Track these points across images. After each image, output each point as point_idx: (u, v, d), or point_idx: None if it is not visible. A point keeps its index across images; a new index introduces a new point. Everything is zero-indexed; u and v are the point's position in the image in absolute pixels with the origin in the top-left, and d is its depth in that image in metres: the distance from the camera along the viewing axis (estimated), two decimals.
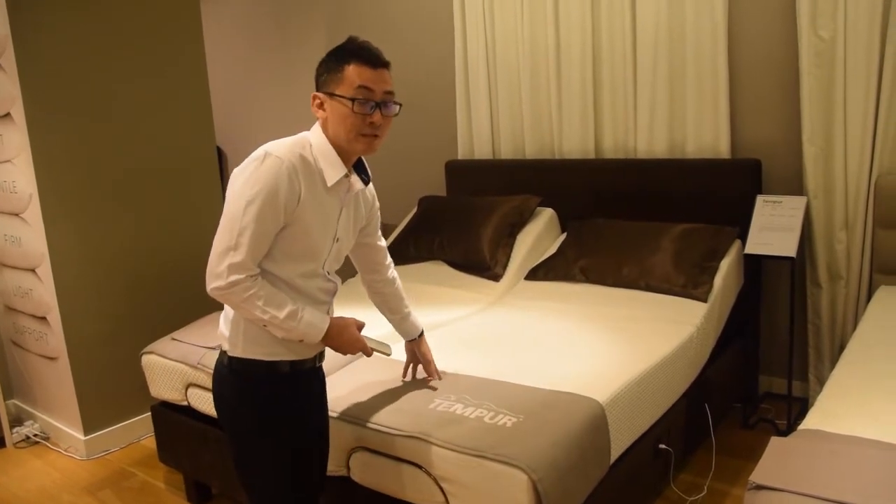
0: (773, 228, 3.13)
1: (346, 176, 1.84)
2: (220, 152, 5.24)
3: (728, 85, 3.37)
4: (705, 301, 2.99)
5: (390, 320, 2.30)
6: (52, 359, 3.49)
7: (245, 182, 1.70)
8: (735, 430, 3.26)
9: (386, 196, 4.88)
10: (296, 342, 1.83)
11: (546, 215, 3.83)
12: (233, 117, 5.53)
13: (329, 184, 1.79)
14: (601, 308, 3.07)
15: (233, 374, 1.85)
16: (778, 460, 1.67)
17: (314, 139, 1.81)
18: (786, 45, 3.25)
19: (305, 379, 1.92)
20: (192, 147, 3.79)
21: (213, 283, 1.72)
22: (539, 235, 3.74)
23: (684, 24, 3.42)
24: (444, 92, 4.42)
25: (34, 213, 3.28)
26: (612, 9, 3.63)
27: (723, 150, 3.43)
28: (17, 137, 3.25)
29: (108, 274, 3.47)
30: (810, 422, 1.89)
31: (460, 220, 3.81)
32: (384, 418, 2.16)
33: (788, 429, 3.12)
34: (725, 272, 3.13)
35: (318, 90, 1.81)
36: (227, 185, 1.80)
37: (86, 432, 3.47)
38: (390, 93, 1.81)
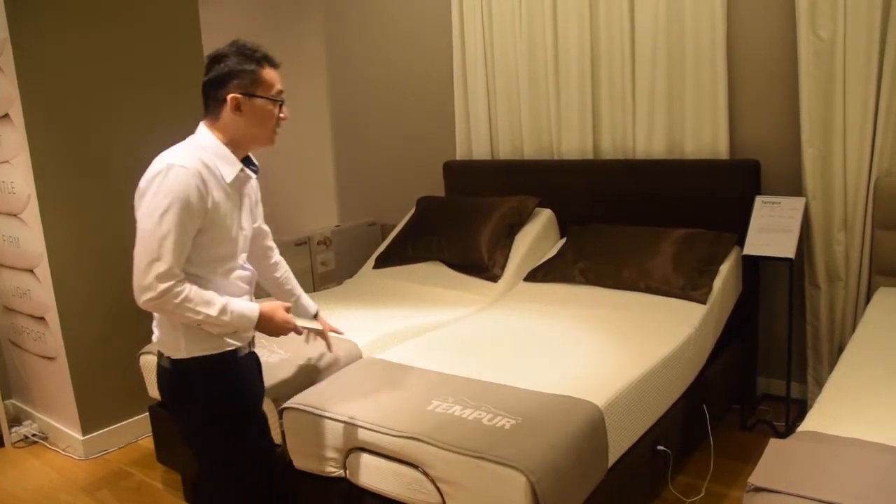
0: (771, 229, 3.13)
1: (242, 171, 1.94)
2: None
3: (727, 85, 3.36)
4: (704, 303, 2.99)
5: None
6: (50, 359, 3.49)
7: (154, 195, 1.77)
8: (733, 432, 3.26)
9: (384, 196, 4.91)
10: (231, 333, 1.93)
11: (544, 216, 3.82)
12: None
13: (228, 181, 1.88)
14: (600, 310, 3.07)
15: (179, 375, 1.94)
16: (776, 462, 1.67)
17: (206, 142, 1.89)
18: (785, 46, 3.25)
19: (245, 364, 2.02)
20: None
21: (145, 295, 1.77)
22: (537, 236, 3.74)
23: (683, 23, 3.42)
24: (442, 92, 4.42)
25: (32, 213, 3.28)
26: (611, 8, 3.62)
27: (721, 150, 3.42)
28: (15, 138, 3.25)
29: (106, 274, 3.47)
30: (809, 424, 1.89)
31: (458, 221, 3.80)
32: (382, 419, 2.16)
33: (787, 431, 3.12)
34: (725, 276, 3.13)
35: (228, 93, 1.88)
36: None
37: (84, 432, 3.46)
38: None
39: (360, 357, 2.76)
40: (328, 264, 4.65)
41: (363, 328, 2.99)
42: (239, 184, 1.95)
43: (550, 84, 3.87)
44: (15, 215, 3.41)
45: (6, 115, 3.27)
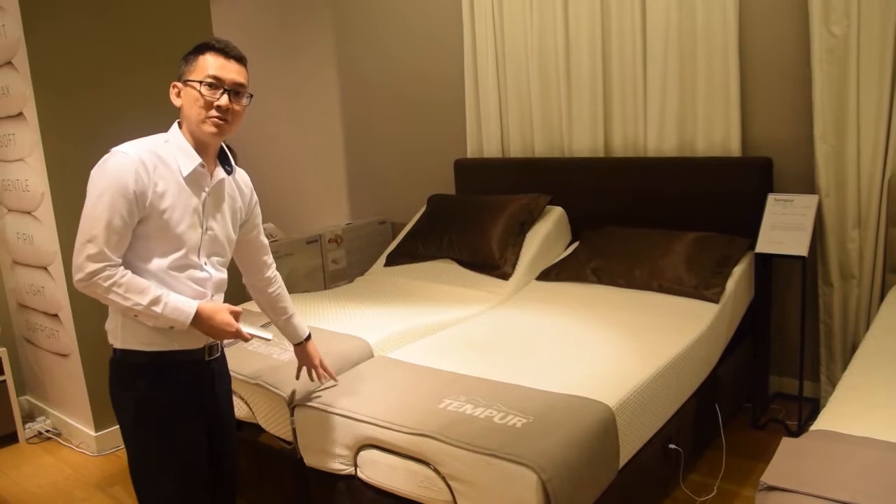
0: (784, 227, 3.11)
1: (203, 166, 1.88)
2: (230, 151, 5.25)
3: (739, 82, 3.35)
4: (717, 302, 2.98)
5: (275, 322, 2.28)
6: (63, 356, 3.51)
7: (95, 179, 1.79)
8: (745, 431, 3.24)
9: (395, 194, 4.92)
10: (175, 331, 1.85)
11: (555, 214, 3.82)
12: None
13: (184, 174, 1.84)
14: (612, 309, 3.06)
15: (115, 365, 1.89)
16: (789, 461, 1.66)
17: (171, 135, 1.89)
18: (798, 42, 3.23)
19: (193, 372, 1.93)
20: None
21: (76, 275, 1.77)
22: (548, 234, 3.73)
23: (695, 20, 3.40)
24: (453, 90, 4.41)
25: (46, 211, 3.30)
26: (622, 4, 3.61)
27: (734, 147, 3.40)
28: (29, 136, 3.27)
29: None
30: (822, 422, 1.88)
31: (469, 219, 3.80)
32: (393, 417, 2.16)
33: (799, 429, 3.11)
34: (737, 278, 3.13)
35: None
36: None
37: (97, 428, 3.48)
38: (242, 85, 1.89)
39: (371, 355, 2.76)
40: (339, 262, 4.66)
41: (374, 326, 3.00)
42: (200, 180, 1.88)
43: (562, 81, 3.86)
44: (29, 213, 3.43)
45: (20, 114, 3.29)
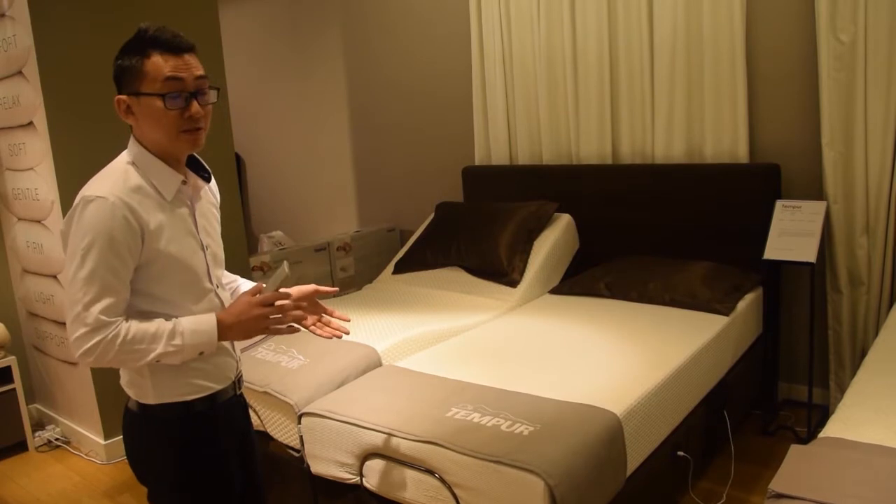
0: (792, 233, 3.11)
1: (184, 182, 1.65)
2: (238, 159, 5.28)
3: (746, 88, 3.34)
4: (727, 315, 2.98)
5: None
6: (72, 364, 3.53)
7: (73, 236, 1.51)
8: (754, 437, 3.23)
9: (403, 202, 4.93)
10: (205, 367, 1.66)
11: (563, 221, 3.82)
12: (250, 124, 5.57)
13: (169, 198, 1.61)
14: (621, 319, 3.05)
15: (146, 423, 1.68)
16: (798, 468, 1.66)
17: (135, 157, 1.63)
18: (805, 49, 3.22)
19: (226, 412, 1.74)
20: (210, 155, 3.74)
21: (76, 351, 1.50)
22: (556, 241, 3.73)
23: (702, 26, 3.40)
24: (461, 98, 4.43)
25: (56, 220, 3.32)
26: (629, 11, 3.62)
27: (741, 154, 3.40)
28: (39, 145, 3.30)
29: None
30: (831, 429, 1.87)
31: (477, 226, 3.81)
32: (400, 425, 2.16)
33: (809, 436, 3.09)
34: (748, 303, 3.16)
35: (119, 93, 1.63)
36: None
37: (106, 437, 3.49)
38: (203, 77, 1.61)
39: (380, 363, 2.77)
40: (348, 270, 4.67)
41: (382, 334, 3.00)
42: (183, 197, 1.66)
43: (569, 88, 3.86)
44: (39, 222, 3.45)
45: (30, 123, 3.31)
